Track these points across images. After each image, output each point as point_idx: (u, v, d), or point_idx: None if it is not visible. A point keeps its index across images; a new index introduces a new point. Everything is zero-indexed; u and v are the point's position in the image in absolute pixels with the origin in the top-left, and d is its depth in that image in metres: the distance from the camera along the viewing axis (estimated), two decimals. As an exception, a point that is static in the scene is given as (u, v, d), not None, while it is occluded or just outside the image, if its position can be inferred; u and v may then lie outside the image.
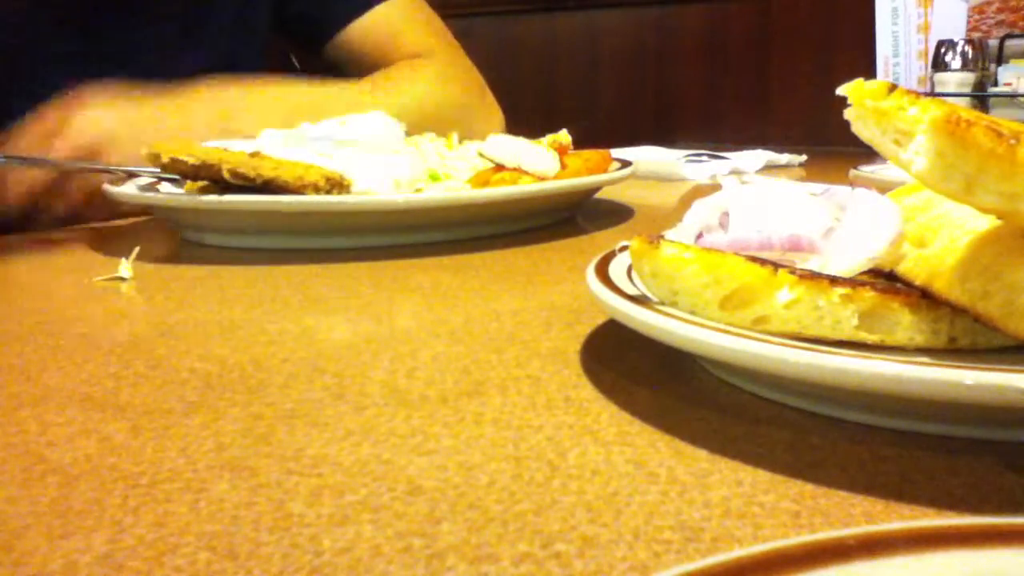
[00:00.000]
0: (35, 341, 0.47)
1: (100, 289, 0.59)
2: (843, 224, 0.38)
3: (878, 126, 0.30)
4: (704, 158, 1.16)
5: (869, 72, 1.35)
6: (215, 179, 0.66)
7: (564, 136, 0.82)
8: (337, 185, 0.66)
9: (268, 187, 0.65)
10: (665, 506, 0.27)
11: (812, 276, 0.33)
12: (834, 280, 0.33)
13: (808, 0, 1.64)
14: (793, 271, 0.33)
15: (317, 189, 0.65)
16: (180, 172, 0.67)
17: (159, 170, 0.69)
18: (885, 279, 0.36)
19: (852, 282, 0.33)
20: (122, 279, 0.60)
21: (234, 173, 0.64)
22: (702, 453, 0.31)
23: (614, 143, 1.03)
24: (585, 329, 0.46)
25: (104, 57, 0.84)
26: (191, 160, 0.64)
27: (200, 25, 1.03)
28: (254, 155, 0.66)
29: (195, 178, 0.68)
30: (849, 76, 0.34)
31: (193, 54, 1.01)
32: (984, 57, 1.26)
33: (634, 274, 0.39)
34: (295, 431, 0.34)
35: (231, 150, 0.67)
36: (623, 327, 0.36)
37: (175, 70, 0.86)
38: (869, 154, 0.33)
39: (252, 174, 0.64)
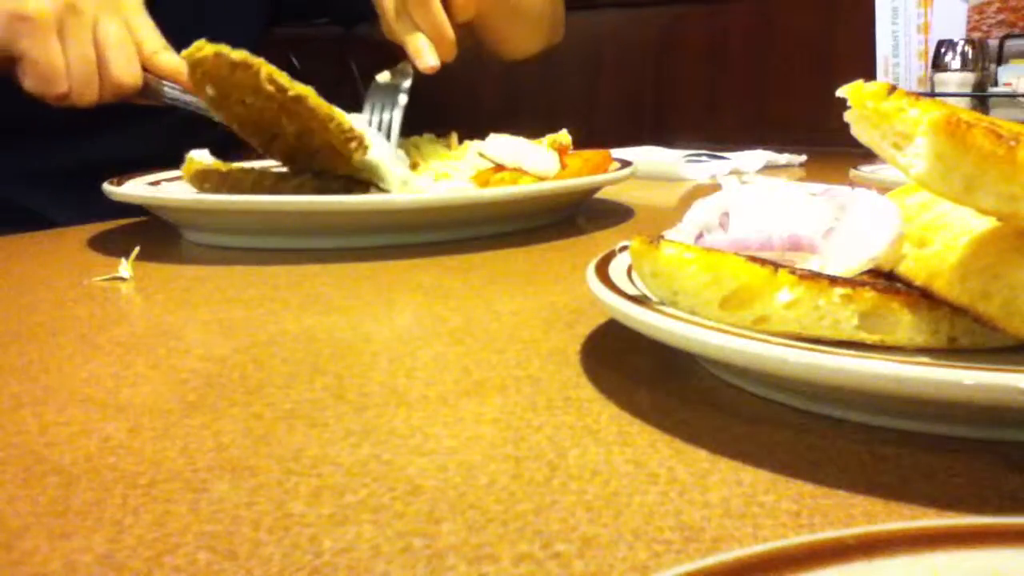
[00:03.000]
0: (35, 341, 0.47)
1: (100, 289, 0.59)
2: (843, 224, 0.38)
3: (877, 129, 0.30)
4: (704, 158, 1.16)
5: (869, 72, 1.35)
6: (247, 89, 0.66)
7: (564, 136, 0.82)
8: (358, 140, 0.66)
9: (295, 108, 0.65)
10: (665, 506, 0.27)
11: (812, 276, 0.33)
12: (834, 280, 0.33)
13: (808, 0, 1.64)
14: (793, 271, 0.33)
15: (341, 130, 0.65)
16: (218, 69, 0.66)
17: (192, 73, 0.68)
18: (885, 279, 0.36)
19: (852, 282, 0.33)
20: (122, 279, 0.60)
21: (270, 79, 0.64)
22: (702, 453, 0.31)
23: (614, 143, 1.03)
24: (585, 329, 0.46)
25: None
26: (232, 56, 0.64)
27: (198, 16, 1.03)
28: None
29: (226, 89, 0.67)
30: (849, 76, 0.34)
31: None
32: (984, 57, 1.26)
33: (634, 274, 0.39)
34: (295, 431, 0.34)
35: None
36: (623, 327, 0.36)
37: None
38: (869, 154, 0.33)
39: (287, 84, 0.64)
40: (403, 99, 0.85)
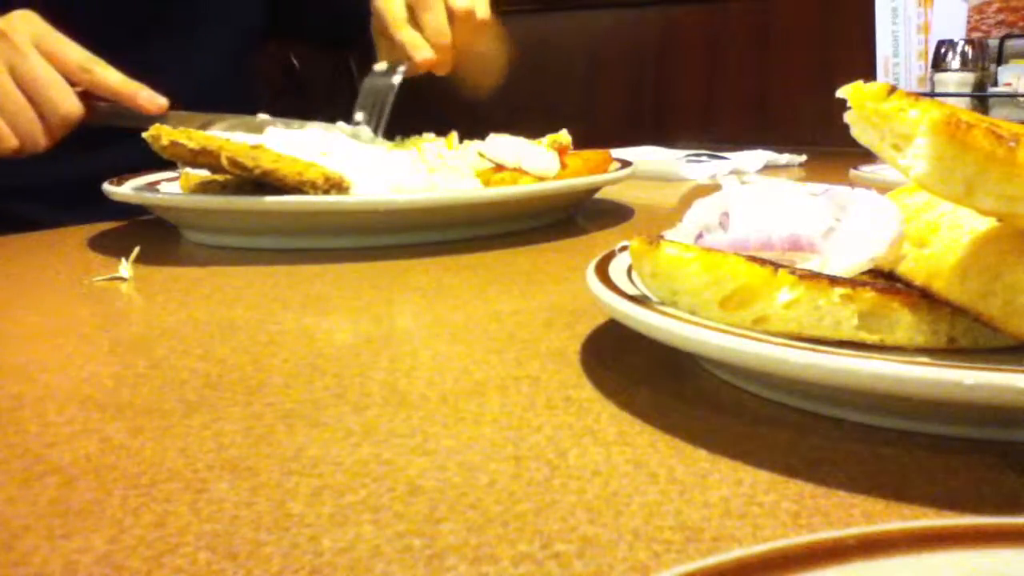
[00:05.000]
0: (35, 341, 0.47)
1: (100, 289, 0.59)
2: (843, 224, 0.38)
3: (877, 130, 0.30)
4: (704, 158, 1.16)
5: (869, 72, 1.35)
6: (213, 167, 0.65)
7: (564, 136, 0.82)
8: (336, 186, 0.65)
9: (265, 180, 0.64)
10: (665, 506, 0.27)
11: (812, 276, 0.33)
12: (834, 280, 0.33)
13: (808, 0, 1.64)
14: (793, 271, 0.33)
15: (315, 187, 0.64)
16: (178, 156, 0.66)
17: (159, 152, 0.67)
18: (885, 279, 0.36)
19: (852, 282, 0.33)
20: (122, 279, 0.60)
21: (233, 161, 0.63)
22: (702, 453, 0.31)
23: (614, 143, 1.03)
24: (585, 329, 0.46)
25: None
26: (191, 144, 0.63)
27: (194, 28, 1.03)
28: (255, 147, 0.65)
29: (193, 164, 0.68)
30: (849, 76, 0.34)
31: (190, 57, 1.01)
32: (984, 57, 1.26)
33: (634, 274, 0.39)
34: (295, 431, 0.34)
35: (233, 140, 0.66)
36: (623, 327, 0.36)
37: (171, 72, 0.86)
38: (869, 154, 0.33)
39: (251, 164, 0.63)
40: (397, 78, 0.87)
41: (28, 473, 0.31)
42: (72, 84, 0.80)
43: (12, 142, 0.78)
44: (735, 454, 0.31)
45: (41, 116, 0.78)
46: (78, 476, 0.31)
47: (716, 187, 0.43)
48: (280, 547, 0.26)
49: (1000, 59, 1.27)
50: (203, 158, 0.64)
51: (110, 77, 0.79)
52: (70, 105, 0.79)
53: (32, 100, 0.78)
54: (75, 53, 0.79)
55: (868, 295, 0.32)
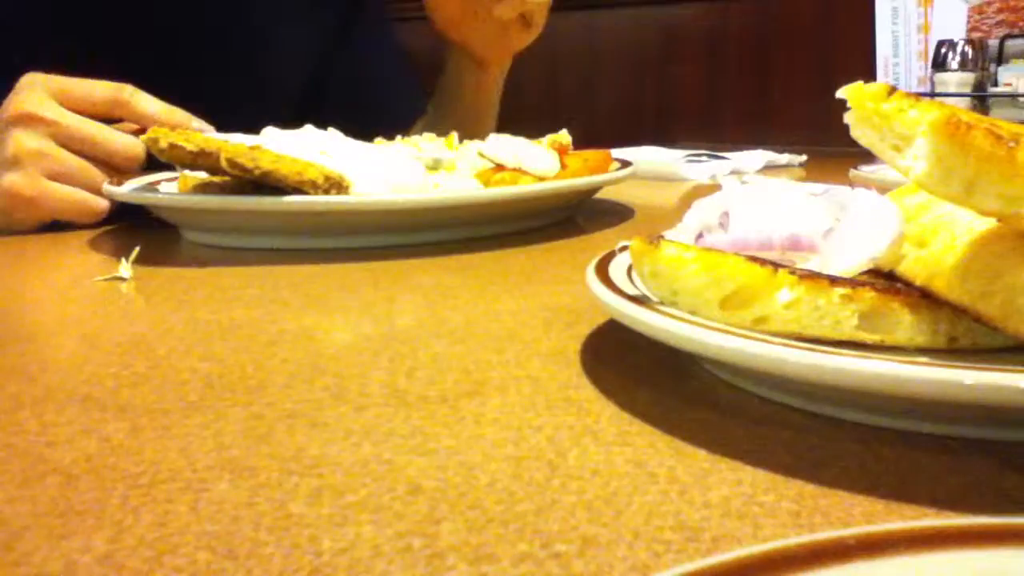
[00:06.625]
0: (35, 341, 0.47)
1: (100, 289, 0.59)
2: (843, 224, 0.38)
3: (877, 131, 0.30)
4: (704, 158, 1.16)
5: (869, 72, 1.35)
6: (212, 169, 0.65)
7: (564, 136, 0.82)
8: (336, 185, 0.65)
9: (265, 180, 0.63)
10: (665, 506, 0.27)
11: (812, 276, 0.33)
12: (834, 280, 0.33)
13: (808, 0, 1.64)
14: (793, 271, 0.33)
15: (316, 187, 0.64)
16: (177, 159, 0.66)
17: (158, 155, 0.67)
18: (885, 279, 0.36)
19: (852, 282, 0.33)
20: (122, 279, 0.60)
21: (232, 163, 0.62)
22: (702, 453, 0.31)
23: (614, 143, 1.03)
24: (585, 329, 0.46)
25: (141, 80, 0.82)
26: (189, 147, 0.63)
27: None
28: (254, 148, 0.65)
29: (192, 166, 0.67)
30: (849, 76, 0.34)
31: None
32: (984, 57, 1.26)
33: (634, 274, 0.39)
34: (295, 431, 0.34)
35: (231, 142, 0.66)
36: (623, 327, 0.36)
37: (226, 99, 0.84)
38: (869, 154, 0.33)
39: (250, 165, 0.63)
40: None
41: (28, 473, 0.31)
42: (109, 121, 0.78)
43: (102, 204, 0.78)
44: (735, 454, 0.31)
45: (110, 167, 0.77)
46: (78, 476, 0.31)
47: (716, 187, 0.43)
48: (280, 547, 0.26)
49: (1000, 59, 1.27)
50: (202, 160, 0.64)
51: (149, 106, 0.78)
52: (132, 145, 0.77)
53: (95, 159, 0.77)
54: (100, 91, 0.77)
55: (868, 295, 0.32)
